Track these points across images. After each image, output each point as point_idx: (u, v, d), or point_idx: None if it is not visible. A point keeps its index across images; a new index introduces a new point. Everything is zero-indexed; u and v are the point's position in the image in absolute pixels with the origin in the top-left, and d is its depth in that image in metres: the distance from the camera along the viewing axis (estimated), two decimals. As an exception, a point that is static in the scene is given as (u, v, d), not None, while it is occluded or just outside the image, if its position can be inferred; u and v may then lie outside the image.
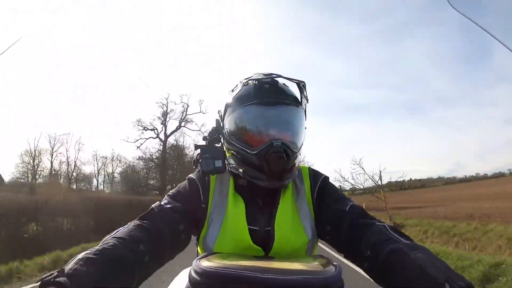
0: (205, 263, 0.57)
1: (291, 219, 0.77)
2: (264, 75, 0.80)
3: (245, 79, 0.82)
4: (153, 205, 0.75)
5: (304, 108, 0.83)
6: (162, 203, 0.76)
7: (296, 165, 0.81)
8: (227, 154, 0.83)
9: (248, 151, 0.76)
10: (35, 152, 22.27)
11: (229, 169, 0.83)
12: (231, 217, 0.76)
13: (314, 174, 0.87)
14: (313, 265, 0.61)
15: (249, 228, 0.75)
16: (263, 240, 0.75)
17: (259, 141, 0.75)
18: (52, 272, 0.50)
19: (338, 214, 0.76)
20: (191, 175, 0.85)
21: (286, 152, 0.73)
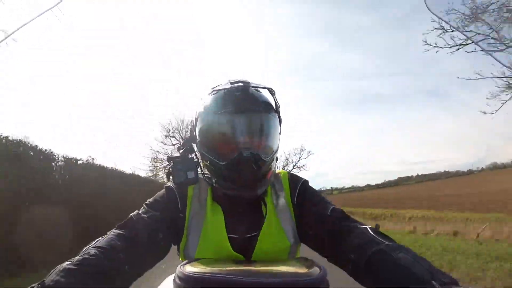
0: (189, 269, 0.57)
1: (272, 225, 0.77)
2: (231, 83, 0.77)
3: (212, 88, 0.79)
4: (131, 214, 0.73)
5: (278, 113, 0.80)
6: (140, 211, 0.75)
7: (271, 172, 0.80)
8: (202, 163, 0.82)
9: (219, 161, 0.74)
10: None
11: (204, 179, 0.82)
12: (210, 226, 0.76)
13: (293, 179, 0.86)
14: (297, 267, 0.61)
15: (228, 237, 0.75)
16: (244, 248, 0.75)
17: (228, 152, 0.73)
18: (33, 285, 0.49)
19: (320, 217, 0.76)
20: (169, 184, 0.83)
21: (257, 162, 0.72)
